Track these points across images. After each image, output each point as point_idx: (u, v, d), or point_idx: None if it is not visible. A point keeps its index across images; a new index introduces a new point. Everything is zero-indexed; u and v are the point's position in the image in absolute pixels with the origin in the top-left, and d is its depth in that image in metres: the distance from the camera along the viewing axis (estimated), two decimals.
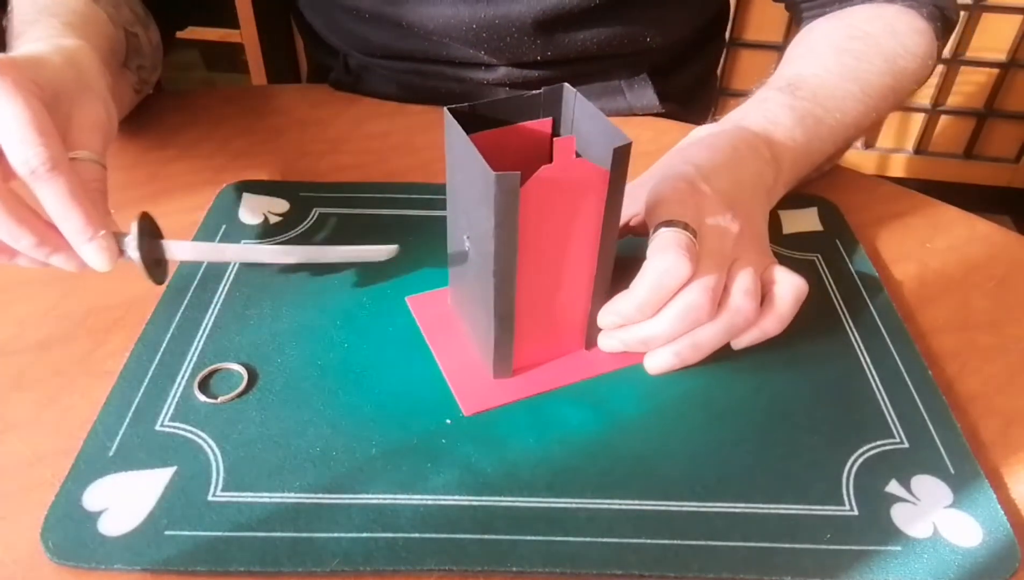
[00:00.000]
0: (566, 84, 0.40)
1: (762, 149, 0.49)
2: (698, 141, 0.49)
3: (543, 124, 0.41)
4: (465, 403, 0.41)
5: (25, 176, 0.37)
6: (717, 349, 0.42)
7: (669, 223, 0.41)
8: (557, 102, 0.41)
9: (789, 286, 0.43)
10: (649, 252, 0.41)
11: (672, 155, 0.49)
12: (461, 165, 0.38)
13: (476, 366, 0.43)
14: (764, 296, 0.43)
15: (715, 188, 0.44)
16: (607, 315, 0.42)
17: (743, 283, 0.42)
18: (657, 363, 0.42)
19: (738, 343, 0.43)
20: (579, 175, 0.36)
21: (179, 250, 0.44)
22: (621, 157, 0.36)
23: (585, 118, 0.40)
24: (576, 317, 0.42)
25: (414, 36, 0.65)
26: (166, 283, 0.46)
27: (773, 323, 0.43)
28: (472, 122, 0.39)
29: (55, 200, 0.37)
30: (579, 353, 0.44)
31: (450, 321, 0.45)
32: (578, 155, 0.41)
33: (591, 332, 0.43)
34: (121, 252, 0.40)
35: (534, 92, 0.40)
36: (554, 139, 0.36)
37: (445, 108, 0.38)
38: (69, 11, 0.51)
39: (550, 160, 0.42)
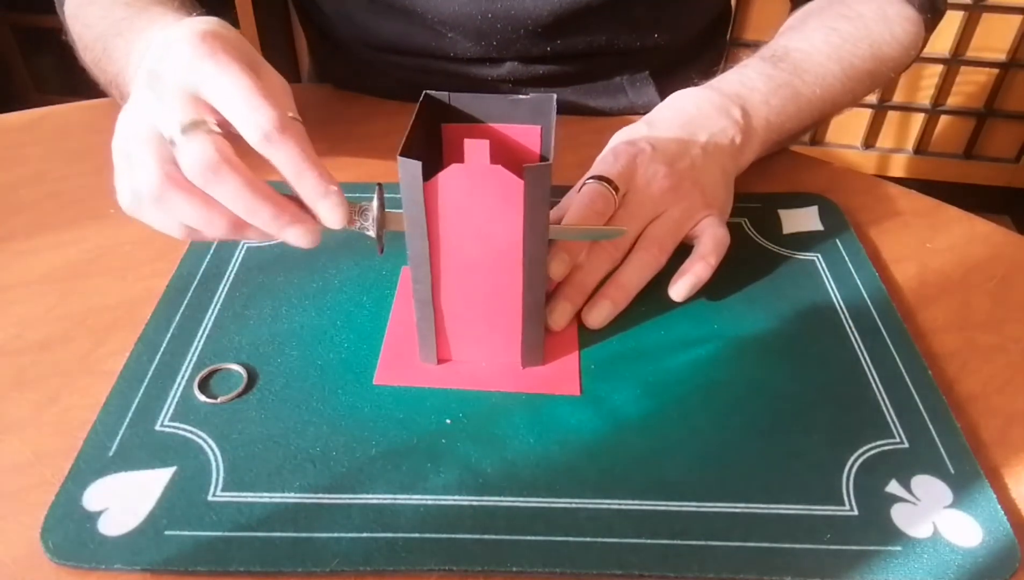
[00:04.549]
0: (553, 95, 0.41)
1: (731, 109, 0.52)
2: (668, 102, 0.53)
3: (531, 131, 0.42)
4: (381, 373, 0.42)
5: (258, 141, 0.37)
6: (640, 288, 0.46)
7: (597, 178, 0.46)
8: (547, 111, 0.41)
9: (710, 236, 0.47)
10: (575, 200, 0.46)
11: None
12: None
13: (413, 346, 0.43)
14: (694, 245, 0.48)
15: (656, 144, 0.49)
16: (558, 263, 0.44)
17: (654, 230, 0.47)
18: (596, 314, 0.45)
19: (676, 293, 0.46)
20: (495, 182, 0.36)
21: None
22: (537, 176, 0.36)
23: (552, 131, 0.40)
24: (510, 330, 0.42)
25: (423, 27, 0.65)
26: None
27: (698, 266, 0.46)
28: (454, 113, 0.40)
29: (291, 160, 0.37)
30: (514, 366, 0.43)
31: None
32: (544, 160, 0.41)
33: (527, 352, 0.43)
34: (352, 220, 0.40)
35: (522, 96, 0.41)
36: (465, 140, 0.36)
37: (424, 92, 0.39)
38: None
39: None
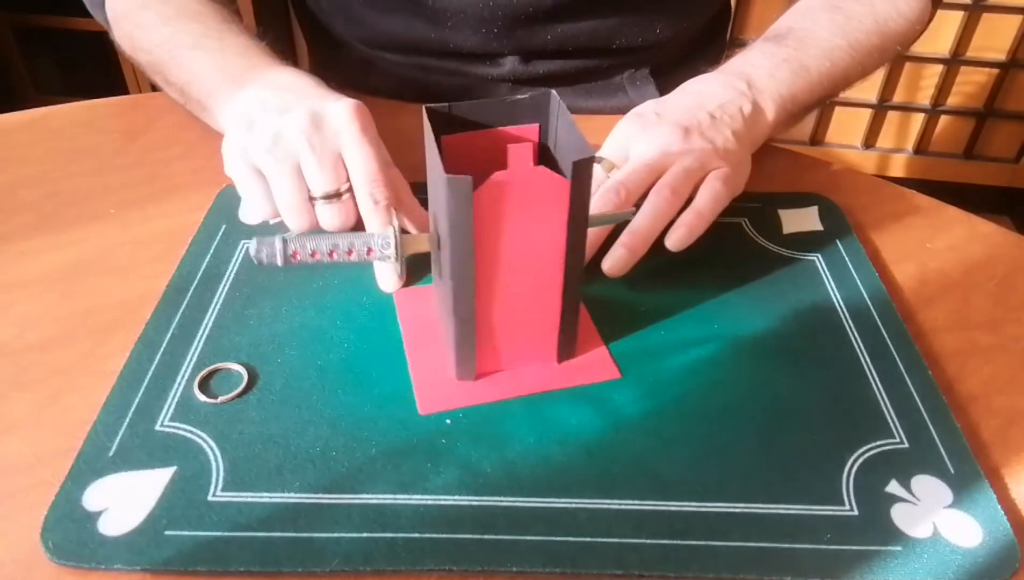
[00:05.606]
0: (552, 91, 0.40)
1: (736, 83, 0.55)
2: (677, 88, 0.56)
3: (529, 130, 0.41)
4: (423, 402, 0.41)
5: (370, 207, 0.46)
6: (656, 234, 0.47)
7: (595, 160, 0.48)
8: (544, 108, 0.41)
9: (708, 190, 0.49)
10: None
11: None
12: (431, 165, 0.38)
13: (443, 365, 0.43)
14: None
15: (662, 111, 0.53)
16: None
17: (666, 178, 0.48)
18: (611, 262, 0.46)
19: (670, 243, 0.47)
20: (539, 183, 0.36)
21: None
22: (582, 170, 0.36)
23: (564, 126, 0.39)
24: (547, 327, 0.42)
25: (423, 18, 0.65)
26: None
27: (691, 217, 0.47)
28: (454, 123, 0.39)
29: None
30: (550, 364, 0.43)
31: (430, 318, 0.46)
32: (552, 162, 0.41)
33: (563, 345, 0.42)
34: (369, 250, 0.40)
35: (520, 96, 0.40)
36: (509, 145, 0.36)
37: (423, 106, 0.39)
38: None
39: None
